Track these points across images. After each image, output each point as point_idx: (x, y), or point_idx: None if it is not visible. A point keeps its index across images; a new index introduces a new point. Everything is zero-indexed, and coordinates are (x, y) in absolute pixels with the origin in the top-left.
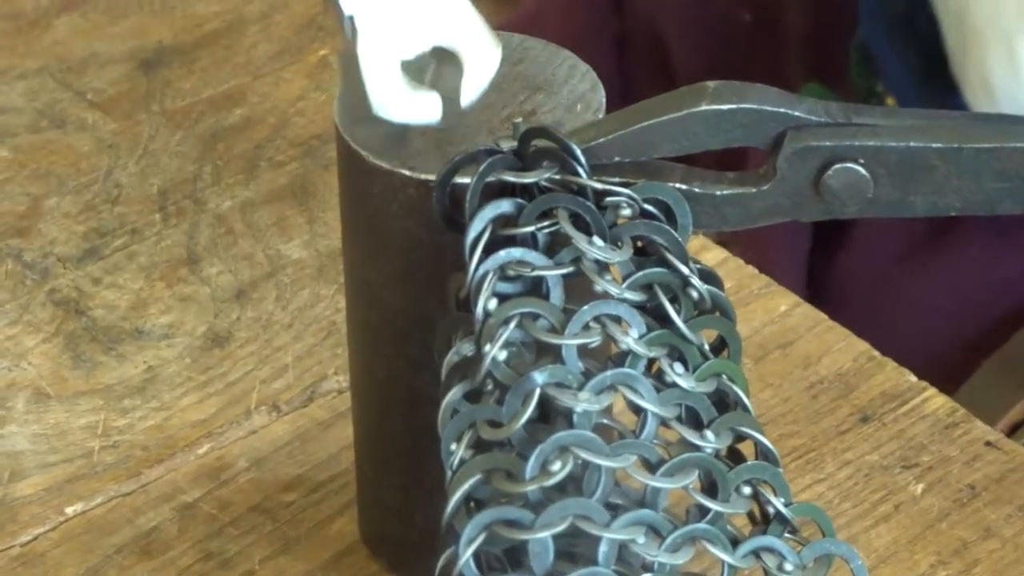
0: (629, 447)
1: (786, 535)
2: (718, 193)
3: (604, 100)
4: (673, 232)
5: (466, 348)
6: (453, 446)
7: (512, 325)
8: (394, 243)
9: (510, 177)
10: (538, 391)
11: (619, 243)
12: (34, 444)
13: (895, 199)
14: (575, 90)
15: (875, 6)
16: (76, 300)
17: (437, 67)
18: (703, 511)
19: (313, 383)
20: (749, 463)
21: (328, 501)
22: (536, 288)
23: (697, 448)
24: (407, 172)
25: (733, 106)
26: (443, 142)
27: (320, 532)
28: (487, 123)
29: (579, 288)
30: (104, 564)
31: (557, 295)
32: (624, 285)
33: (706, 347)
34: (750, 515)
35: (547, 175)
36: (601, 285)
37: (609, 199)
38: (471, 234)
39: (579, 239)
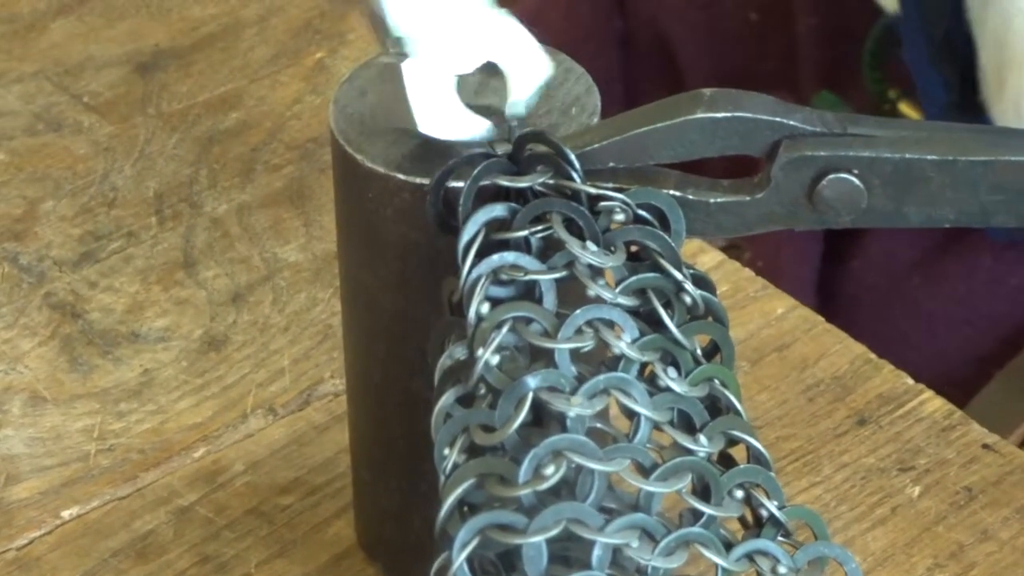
0: (622, 451)
1: (780, 538)
2: (712, 200)
3: (600, 103)
4: (666, 237)
5: (459, 352)
6: (446, 450)
7: (505, 329)
8: (389, 247)
9: (504, 181)
10: (531, 395)
11: (612, 248)
12: (30, 447)
13: (889, 210)
14: (571, 93)
15: (916, 22)
16: (72, 303)
17: (481, 80)
18: (696, 515)
19: (309, 386)
20: (742, 467)
21: (324, 504)
22: (529, 292)
23: (690, 452)
24: (402, 176)
25: (728, 114)
26: (438, 146)
27: (316, 535)
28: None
29: (572, 293)
30: (100, 568)
31: (550, 299)
32: (617, 290)
33: (699, 352)
34: (742, 519)
35: (541, 179)
36: (594, 290)
37: (603, 204)
38: (464, 238)
39: (572, 244)
